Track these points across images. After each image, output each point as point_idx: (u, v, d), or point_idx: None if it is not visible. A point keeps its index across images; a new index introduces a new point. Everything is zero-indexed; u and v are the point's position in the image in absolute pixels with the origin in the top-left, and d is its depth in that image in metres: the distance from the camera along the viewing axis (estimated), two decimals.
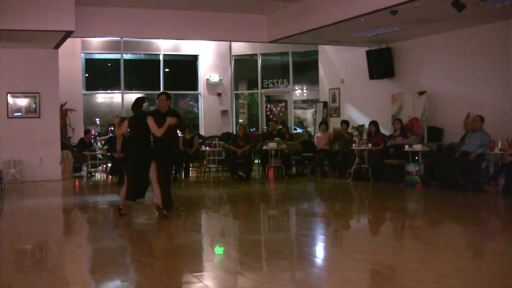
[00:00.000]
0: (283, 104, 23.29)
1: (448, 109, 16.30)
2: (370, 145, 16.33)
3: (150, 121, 10.74)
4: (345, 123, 18.36)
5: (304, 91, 23.09)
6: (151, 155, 10.92)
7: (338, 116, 20.27)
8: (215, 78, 23.18)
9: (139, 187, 11.10)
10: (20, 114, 18.02)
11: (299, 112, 23.46)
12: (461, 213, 11.73)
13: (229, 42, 22.97)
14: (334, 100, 20.68)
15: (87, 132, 19.38)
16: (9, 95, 17.89)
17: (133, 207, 12.12)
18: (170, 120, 10.88)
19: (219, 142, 18.40)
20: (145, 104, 10.90)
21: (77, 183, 17.61)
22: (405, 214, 12.09)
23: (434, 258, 7.63)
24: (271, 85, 23.18)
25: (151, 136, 11.02)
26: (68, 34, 15.94)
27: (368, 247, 8.65)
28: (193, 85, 23.52)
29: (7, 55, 17.73)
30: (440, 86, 16.56)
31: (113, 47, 21.85)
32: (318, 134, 18.89)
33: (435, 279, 6.57)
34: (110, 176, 17.84)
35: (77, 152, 18.66)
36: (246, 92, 24.39)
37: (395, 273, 7.04)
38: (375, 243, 9.24)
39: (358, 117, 19.44)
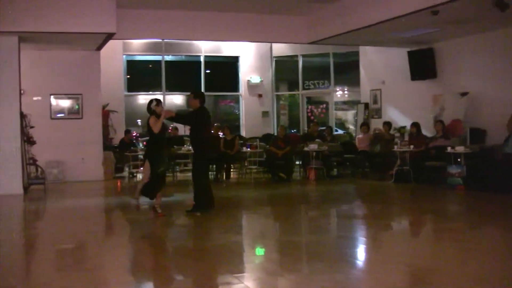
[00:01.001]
0: (324, 105, 23.20)
1: (491, 110, 16.02)
2: (411, 146, 16.16)
3: (151, 120, 10.97)
4: (387, 124, 18.22)
5: (345, 92, 22.95)
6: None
7: (379, 117, 20.11)
8: (255, 79, 23.19)
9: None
10: (62, 115, 18.28)
11: (340, 113, 23.35)
12: (503, 216, 11.52)
13: (269, 44, 22.95)
14: (375, 101, 20.54)
15: (127, 132, 19.54)
16: (52, 96, 18.15)
17: (172, 208, 12.19)
18: (164, 113, 11.06)
19: (260, 143, 18.41)
20: (152, 105, 11.05)
21: (118, 184, 17.76)
22: (446, 216, 11.91)
23: (474, 262, 7.53)
24: (312, 86, 23.13)
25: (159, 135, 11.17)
26: (110, 36, 16.09)
27: (408, 250, 8.57)
28: (234, 86, 23.56)
29: (50, 57, 17.98)
30: (482, 86, 16.30)
31: (154, 48, 21.98)
32: (359, 136, 18.79)
33: (474, 282, 6.48)
34: None
35: (119, 153, 18.81)
36: (287, 93, 24.35)
37: (434, 277, 6.94)
38: (415, 245, 9.15)
39: (400, 119, 19.25)
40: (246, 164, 18.31)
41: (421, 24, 14.97)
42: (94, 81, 18.43)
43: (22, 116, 15.75)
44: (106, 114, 19.77)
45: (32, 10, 14.69)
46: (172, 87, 22.40)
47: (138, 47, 22.00)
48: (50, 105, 18.19)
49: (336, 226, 11.08)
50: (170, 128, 18.50)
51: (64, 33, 15.35)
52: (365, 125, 18.84)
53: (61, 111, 18.31)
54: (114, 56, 20.89)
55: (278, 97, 24.06)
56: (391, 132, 18.24)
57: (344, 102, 23.21)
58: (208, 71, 22.81)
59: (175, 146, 17.44)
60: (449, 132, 16.30)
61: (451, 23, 14.74)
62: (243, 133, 22.80)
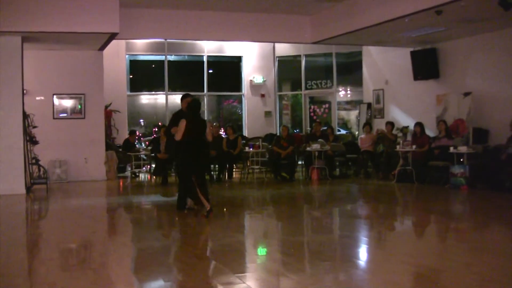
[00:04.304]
0: (327, 105, 23.18)
1: (494, 110, 16.03)
2: (414, 146, 16.14)
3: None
4: (390, 124, 18.21)
5: (348, 92, 22.92)
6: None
7: (382, 117, 20.11)
8: (258, 79, 23.17)
9: None
10: (65, 115, 18.30)
11: (343, 113, 23.32)
12: (507, 216, 11.53)
13: (272, 43, 22.94)
14: (378, 101, 20.53)
15: (132, 133, 19.52)
16: (54, 96, 18.17)
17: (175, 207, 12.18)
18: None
19: (263, 143, 18.39)
20: None
21: (121, 183, 17.77)
22: (450, 216, 11.89)
23: (479, 262, 7.51)
24: (314, 86, 23.11)
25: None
26: (113, 36, 16.10)
27: (412, 250, 8.56)
28: (237, 86, 23.55)
29: (53, 57, 18.02)
30: (486, 86, 16.30)
31: (157, 48, 21.98)
32: (362, 136, 18.78)
33: (481, 283, 6.47)
34: (154, 177, 17.97)
35: (122, 153, 18.82)
36: (290, 93, 24.34)
37: (440, 276, 6.94)
38: (420, 245, 9.13)
39: (402, 118, 19.25)
40: (248, 164, 18.29)
41: (426, 23, 14.97)
42: (97, 81, 18.44)
43: (25, 116, 15.76)
44: (108, 114, 19.78)
45: (35, 10, 14.73)
46: (175, 87, 22.37)
47: (141, 47, 22.00)
48: (53, 105, 18.20)
49: (339, 226, 11.06)
50: None
51: (67, 33, 15.36)
52: (368, 125, 18.82)
53: (64, 111, 18.32)
54: (117, 56, 20.91)
55: (281, 97, 24.05)
56: (394, 132, 18.23)
57: (347, 102, 23.19)
58: (211, 71, 22.81)
59: None
60: (452, 132, 16.28)
61: (456, 22, 14.72)
62: (245, 133, 22.79)
